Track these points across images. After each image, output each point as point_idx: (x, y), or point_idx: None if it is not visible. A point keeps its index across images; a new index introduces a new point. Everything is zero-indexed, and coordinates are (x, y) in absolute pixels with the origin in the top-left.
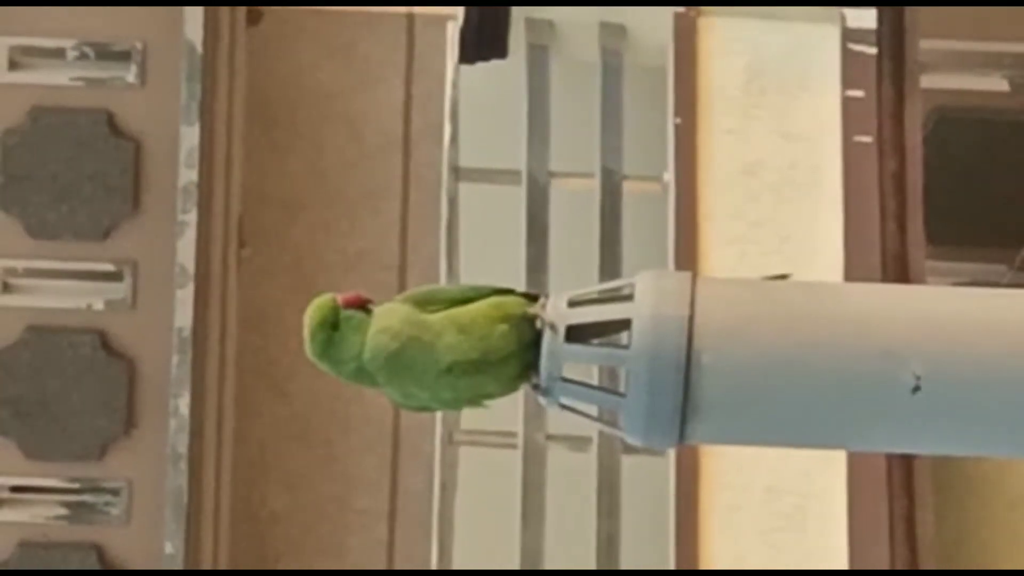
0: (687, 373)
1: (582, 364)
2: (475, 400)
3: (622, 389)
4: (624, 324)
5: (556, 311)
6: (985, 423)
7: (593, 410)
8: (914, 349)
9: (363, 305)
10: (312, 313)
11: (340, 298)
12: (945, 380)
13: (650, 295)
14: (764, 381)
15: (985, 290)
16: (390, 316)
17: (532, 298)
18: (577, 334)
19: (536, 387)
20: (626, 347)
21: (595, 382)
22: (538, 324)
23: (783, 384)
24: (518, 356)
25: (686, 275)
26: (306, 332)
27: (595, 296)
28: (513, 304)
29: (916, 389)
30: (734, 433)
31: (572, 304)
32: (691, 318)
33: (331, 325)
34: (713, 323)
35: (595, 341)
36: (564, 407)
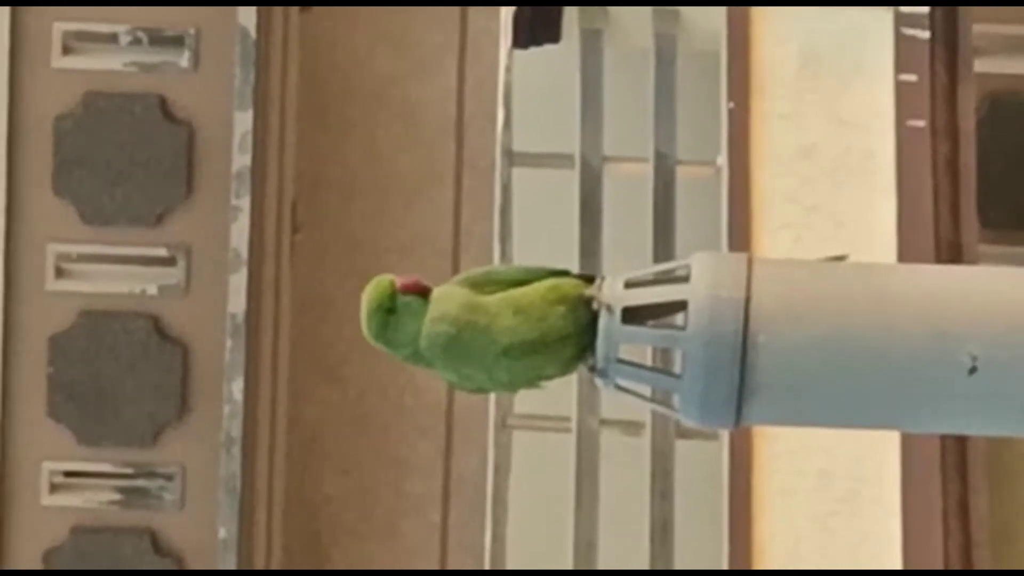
0: (743, 354)
1: (638, 345)
2: (532, 382)
3: (677, 371)
4: (680, 305)
5: (612, 292)
6: None
7: (648, 392)
8: (970, 330)
9: (421, 291)
10: (370, 295)
11: (399, 282)
12: (1002, 361)
13: (706, 276)
14: (819, 362)
15: None
16: (447, 302)
17: (588, 280)
18: (633, 315)
19: (592, 369)
20: (682, 328)
21: (649, 363)
22: (594, 306)
23: (838, 365)
24: (575, 338)
25: (742, 256)
26: (363, 313)
27: (651, 278)
28: (569, 286)
29: (973, 370)
30: (790, 414)
31: (628, 285)
32: (747, 299)
33: (388, 309)
34: (769, 304)
35: (651, 323)
36: (620, 388)
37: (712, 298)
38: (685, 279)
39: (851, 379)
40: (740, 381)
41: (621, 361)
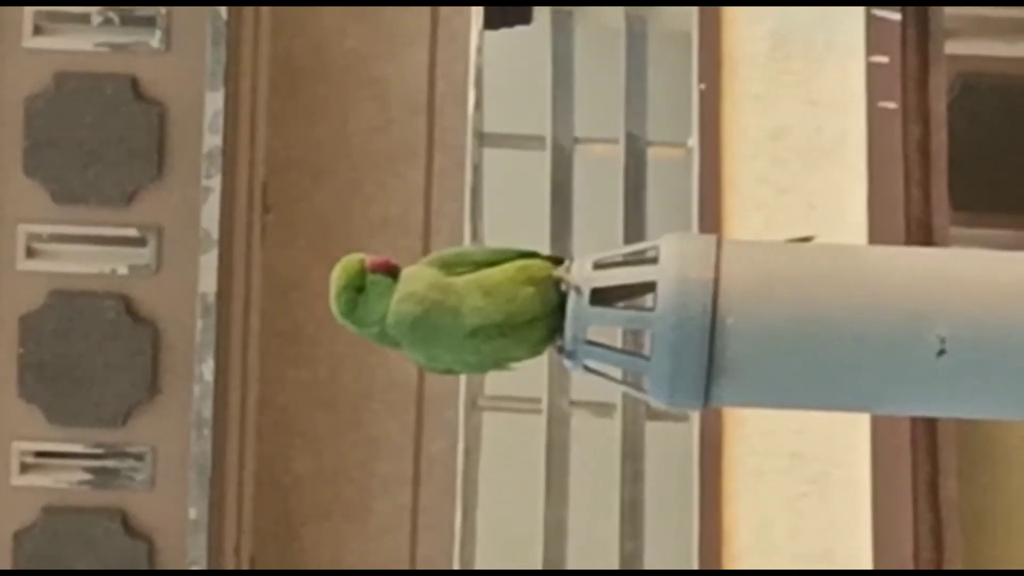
0: (712, 335)
1: (607, 327)
2: (500, 363)
3: (647, 352)
4: (649, 287)
5: (581, 274)
6: (1011, 386)
7: (618, 373)
8: (940, 311)
9: (391, 270)
10: (339, 273)
11: (368, 261)
12: (971, 343)
13: (675, 257)
14: (789, 343)
15: (1009, 253)
16: (415, 281)
17: (557, 261)
18: (602, 297)
19: (561, 350)
20: (651, 310)
21: (619, 346)
22: (563, 287)
23: (807, 346)
24: (543, 319)
25: (711, 237)
26: (332, 292)
27: (620, 259)
28: (538, 267)
29: (941, 352)
30: (759, 395)
31: (597, 267)
32: (716, 280)
33: (356, 287)
34: (738, 285)
35: (620, 304)
36: (589, 370)
37: (681, 279)
38: (654, 260)
39: (820, 361)
40: (709, 362)
41: (590, 343)
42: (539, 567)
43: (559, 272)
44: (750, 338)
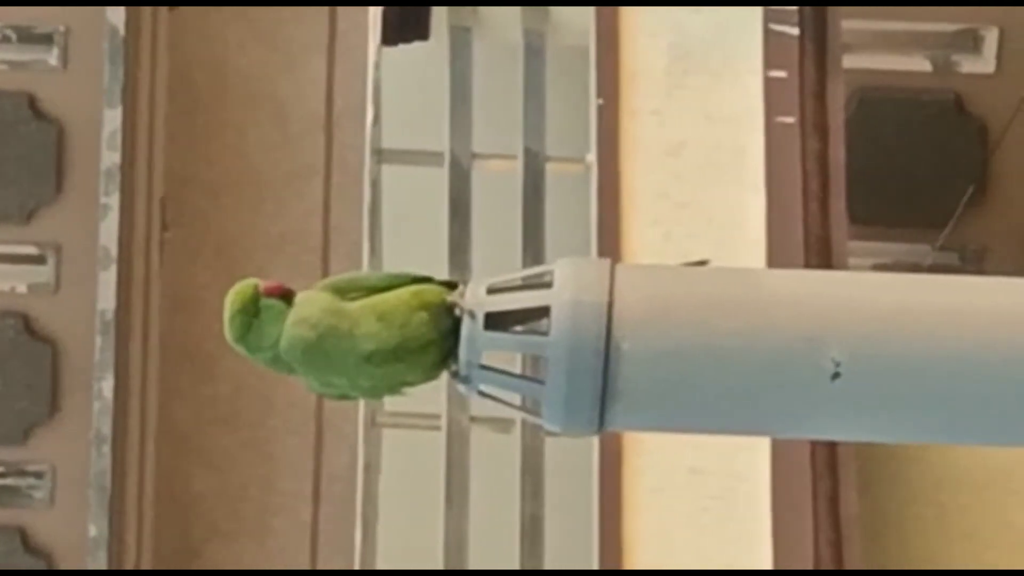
0: (607, 360)
1: (501, 352)
2: (394, 388)
3: (542, 377)
4: (544, 311)
5: (475, 298)
6: (904, 410)
7: (514, 398)
8: (834, 335)
9: (285, 295)
10: (232, 298)
11: (262, 286)
12: (864, 367)
13: (569, 282)
14: (684, 368)
15: (904, 276)
16: (309, 306)
17: (452, 285)
18: (497, 321)
19: (455, 375)
20: (545, 334)
21: (519, 370)
22: (457, 312)
23: (703, 371)
24: (437, 344)
25: (605, 262)
26: (225, 316)
27: (514, 283)
28: (432, 292)
29: (836, 376)
30: (655, 420)
31: (491, 291)
32: (610, 305)
33: (251, 312)
34: (632, 310)
35: (515, 328)
36: (483, 395)
37: (575, 304)
38: (548, 285)
39: (715, 386)
40: (603, 387)
41: (484, 367)
42: None
43: (453, 297)
44: (645, 363)
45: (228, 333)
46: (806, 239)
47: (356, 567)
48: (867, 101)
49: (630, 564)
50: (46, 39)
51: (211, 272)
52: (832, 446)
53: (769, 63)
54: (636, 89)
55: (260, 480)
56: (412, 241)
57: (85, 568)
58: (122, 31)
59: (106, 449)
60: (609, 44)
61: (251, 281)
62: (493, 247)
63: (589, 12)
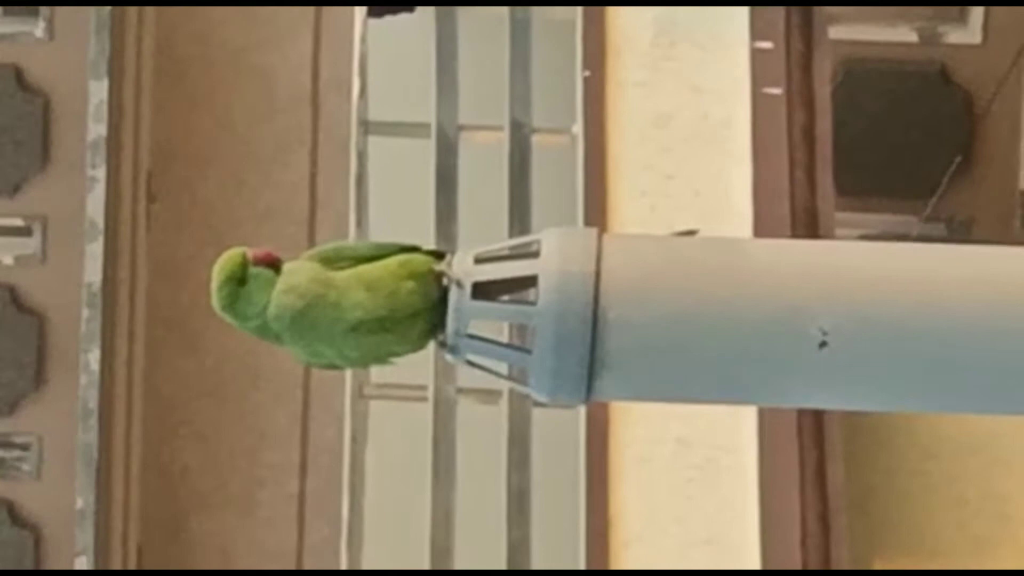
0: (593, 329)
1: (489, 321)
2: (381, 358)
3: (529, 346)
4: (531, 281)
5: (462, 268)
6: (891, 378)
7: (502, 367)
8: (821, 304)
9: (273, 263)
10: (220, 266)
11: (250, 254)
12: (851, 335)
13: (556, 252)
14: (670, 337)
15: (890, 245)
16: (297, 275)
17: (439, 255)
18: (484, 291)
19: (443, 344)
20: (533, 303)
21: (506, 339)
22: (445, 281)
23: (689, 340)
24: (425, 313)
25: (592, 231)
26: (213, 284)
27: (501, 253)
28: (419, 261)
29: (823, 344)
30: (641, 389)
31: (478, 261)
32: (597, 274)
33: (238, 280)
34: (619, 279)
35: (504, 298)
36: (471, 364)
37: (562, 273)
38: (536, 254)
39: (702, 355)
40: (590, 357)
41: (471, 336)
42: (427, 553)
43: (440, 266)
44: (632, 332)
45: (216, 301)
46: (792, 210)
47: (343, 538)
48: (853, 72)
49: (617, 534)
50: (32, 12)
51: (197, 244)
52: (818, 416)
53: (755, 34)
54: (622, 61)
55: (247, 451)
56: (399, 212)
57: (72, 539)
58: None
59: (93, 421)
60: (595, 16)
61: (240, 249)
62: (480, 218)
63: None
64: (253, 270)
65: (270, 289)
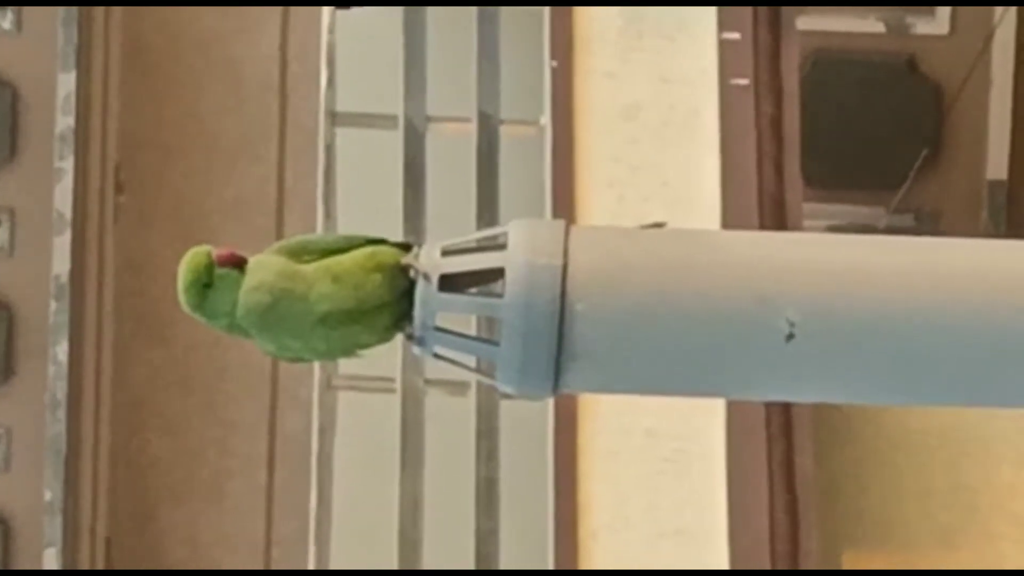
0: (561, 322)
1: (456, 314)
2: (349, 350)
3: (497, 339)
4: (498, 273)
5: (429, 260)
6: (859, 371)
7: (469, 360)
8: (788, 297)
9: (238, 263)
10: (185, 269)
11: (215, 254)
12: (819, 327)
13: (523, 244)
14: (638, 329)
15: (858, 237)
16: (263, 270)
17: (406, 247)
18: (452, 283)
19: (410, 337)
20: (500, 296)
21: (473, 332)
22: (412, 273)
23: (657, 332)
24: (392, 306)
25: (559, 223)
26: (179, 286)
27: (468, 245)
28: (387, 253)
29: (790, 337)
30: (609, 382)
31: (445, 253)
32: (564, 267)
33: (205, 282)
34: (587, 272)
35: (471, 290)
36: (438, 357)
37: (529, 265)
38: (502, 247)
39: (669, 347)
40: (558, 349)
41: (439, 329)
42: (395, 544)
43: (408, 259)
44: (599, 324)
45: (183, 303)
46: (760, 201)
47: (311, 530)
48: (821, 63)
49: (585, 525)
50: None
51: (165, 236)
52: (787, 408)
53: (723, 25)
54: (590, 51)
55: (215, 443)
56: (367, 204)
57: (42, 533)
58: None
59: (61, 413)
60: (563, 7)
61: (203, 249)
62: (447, 209)
63: None
64: (219, 271)
65: (237, 288)
